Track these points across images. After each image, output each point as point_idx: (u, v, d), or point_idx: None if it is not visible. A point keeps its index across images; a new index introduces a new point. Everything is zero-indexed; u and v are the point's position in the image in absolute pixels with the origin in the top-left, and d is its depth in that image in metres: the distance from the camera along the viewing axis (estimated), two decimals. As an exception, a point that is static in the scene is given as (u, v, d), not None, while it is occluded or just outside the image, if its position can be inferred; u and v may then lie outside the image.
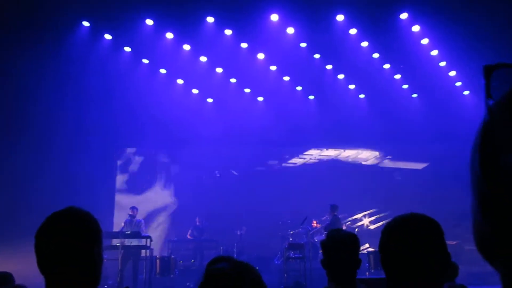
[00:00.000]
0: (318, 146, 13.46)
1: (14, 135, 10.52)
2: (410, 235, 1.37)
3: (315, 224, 11.19)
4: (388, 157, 13.37)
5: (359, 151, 13.50)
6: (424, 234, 1.37)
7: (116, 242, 9.30)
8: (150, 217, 13.04)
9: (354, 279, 2.00)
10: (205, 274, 1.18)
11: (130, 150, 13.97)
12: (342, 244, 1.96)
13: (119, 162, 13.82)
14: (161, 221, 13.37)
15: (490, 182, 0.50)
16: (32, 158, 10.78)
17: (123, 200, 13.03)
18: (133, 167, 13.87)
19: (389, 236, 1.40)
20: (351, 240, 2.00)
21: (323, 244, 2.02)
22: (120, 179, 13.74)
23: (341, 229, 2.10)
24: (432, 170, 12.90)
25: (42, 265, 1.38)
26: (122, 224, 9.96)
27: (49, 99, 10.82)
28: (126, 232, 9.33)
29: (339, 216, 10.22)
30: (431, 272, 1.35)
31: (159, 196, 13.59)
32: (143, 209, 11.86)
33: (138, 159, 13.96)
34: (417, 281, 1.33)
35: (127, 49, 11.05)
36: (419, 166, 13.13)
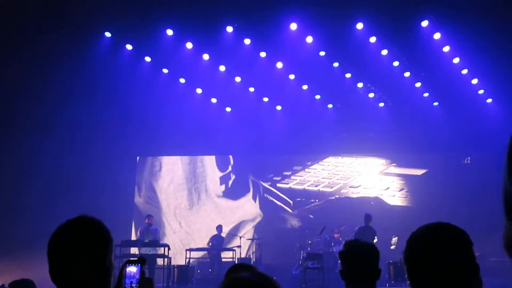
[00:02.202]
0: (336, 153, 13.33)
1: (39, 141, 10.74)
2: (438, 245, 1.32)
3: (336, 236, 11.04)
4: (404, 165, 13.13)
5: (378, 159, 13.30)
6: (453, 244, 1.33)
7: (134, 250, 9.35)
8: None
9: (374, 289, 1.95)
10: (227, 282, 1.16)
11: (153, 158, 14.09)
12: (361, 254, 1.91)
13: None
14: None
15: None
16: (56, 164, 11.00)
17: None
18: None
19: (416, 245, 1.36)
20: (370, 250, 1.95)
21: (342, 254, 1.97)
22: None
23: (360, 240, 2.05)
24: (449, 179, 12.61)
25: (54, 273, 1.39)
26: (139, 233, 10.02)
27: (73, 108, 11.06)
28: (145, 241, 9.38)
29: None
30: (458, 284, 1.29)
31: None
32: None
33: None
34: None
35: (148, 59, 11.20)
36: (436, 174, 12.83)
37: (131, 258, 1.50)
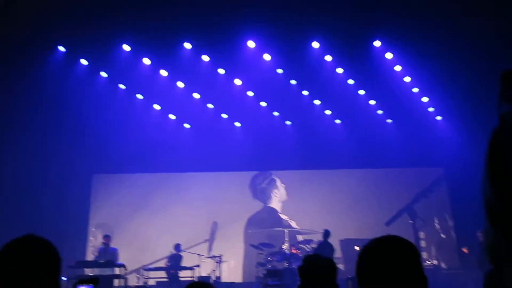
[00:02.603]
0: (297, 168, 13.46)
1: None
2: (386, 257, 1.36)
3: (294, 251, 11.07)
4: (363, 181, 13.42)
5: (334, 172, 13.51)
6: (400, 256, 1.36)
7: (88, 271, 8.99)
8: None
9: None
10: None
11: (105, 176, 13.67)
12: (318, 269, 1.93)
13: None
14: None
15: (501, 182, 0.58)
16: (8, 181, 10.51)
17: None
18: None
19: (366, 258, 1.39)
20: (328, 265, 1.97)
21: (300, 269, 1.98)
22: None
23: (318, 255, 2.07)
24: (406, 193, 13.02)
25: None
26: (96, 253, 9.69)
27: (27, 124, 10.65)
28: (100, 261, 9.06)
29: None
30: None
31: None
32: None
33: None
34: None
35: (104, 74, 10.98)
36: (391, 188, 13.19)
37: (83, 278, 1.45)
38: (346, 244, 11.77)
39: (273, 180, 13.63)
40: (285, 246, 10.90)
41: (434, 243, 12.79)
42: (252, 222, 13.18)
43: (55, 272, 1.39)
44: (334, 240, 10.63)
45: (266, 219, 13.16)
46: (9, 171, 10.68)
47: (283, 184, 13.57)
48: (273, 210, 13.43)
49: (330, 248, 9.82)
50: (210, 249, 12.40)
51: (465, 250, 10.79)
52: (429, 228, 12.57)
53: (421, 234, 12.56)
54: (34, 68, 9.94)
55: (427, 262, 11.80)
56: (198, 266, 10.76)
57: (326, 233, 10.08)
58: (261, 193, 13.55)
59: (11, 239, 1.41)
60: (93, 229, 12.89)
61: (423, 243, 12.48)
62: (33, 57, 9.81)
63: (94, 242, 12.55)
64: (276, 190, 13.57)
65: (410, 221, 12.52)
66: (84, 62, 10.57)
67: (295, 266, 10.34)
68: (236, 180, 13.48)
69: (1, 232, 8.28)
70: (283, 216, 13.27)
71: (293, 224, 13.11)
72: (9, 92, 9.90)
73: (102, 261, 9.04)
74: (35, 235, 1.43)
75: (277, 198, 13.51)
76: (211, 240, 12.10)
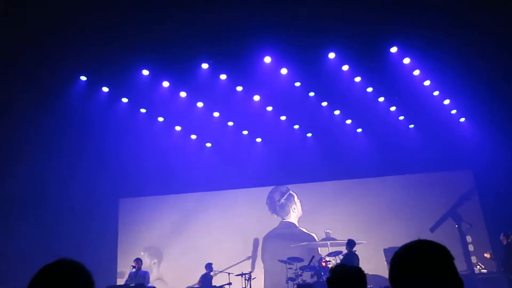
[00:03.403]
0: (318, 180, 13.37)
1: (18, 184, 10.51)
2: (420, 262, 1.33)
3: (324, 264, 10.92)
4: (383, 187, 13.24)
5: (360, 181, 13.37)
6: (434, 260, 1.33)
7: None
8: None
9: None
10: None
11: (131, 200, 13.84)
12: (346, 279, 1.90)
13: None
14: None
15: None
16: (36, 206, 10.72)
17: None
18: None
19: (398, 264, 1.36)
20: (357, 274, 1.94)
21: (328, 280, 1.96)
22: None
23: (345, 264, 2.04)
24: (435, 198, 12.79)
25: None
26: (127, 276, 9.76)
27: (51, 151, 10.90)
28: (130, 285, 9.10)
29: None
30: None
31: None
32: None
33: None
34: None
35: (125, 100, 11.20)
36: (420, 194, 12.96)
37: None
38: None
39: (291, 195, 13.57)
40: (315, 260, 10.75)
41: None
42: (271, 237, 13.10)
43: None
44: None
45: (287, 234, 13.06)
46: (37, 198, 10.92)
47: (299, 199, 13.52)
48: (292, 225, 13.34)
49: (355, 257, 9.64)
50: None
51: (487, 255, 10.43)
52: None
53: (469, 238, 12.22)
54: (58, 98, 10.21)
55: (478, 266, 11.36)
56: (230, 284, 10.70)
57: (350, 243, 9.93)
58: (281, 208, 13.50)
59: (44, 265, 1.42)
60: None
61: (471, 247, 12.12)
62: (56, 87, 10.08)
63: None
64: (294, 206, 13.51)
65: (455, 225, 12.28)
66: (105, 89, 10.81)
67: (325, 278, 10.18)
68: (256, 195, 13.49)
69: (32, 258, 8.45)
70: (304, 230, 13.16)
71: (316, 236, 12.99)
72: (34, 122, 10.18)
73: (132, 285, 9.09)
74: (68, 259, 1.44)
75: (295, 214, 13.44)
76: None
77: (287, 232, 13.13)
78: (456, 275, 1.34)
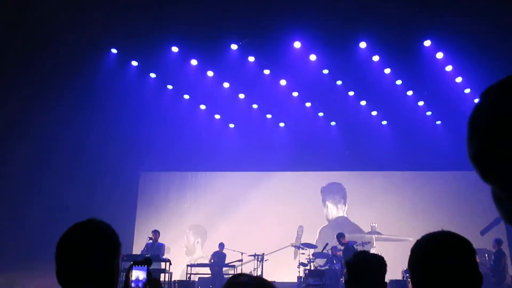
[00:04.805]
0: (340, 169, 13.34)
1: (47, 161, 10.79)
2: (441, 252, 1.34)
3: (339, 253, 10.97)
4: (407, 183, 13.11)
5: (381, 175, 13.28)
6: (456, 252, 1.35)
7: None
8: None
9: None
10: (227, 285, 1.18)
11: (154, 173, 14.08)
12: (368, 264, 1.93)
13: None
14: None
15: None
16: (60, 180, 11.00)
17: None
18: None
19: (419, 253, 1.38)
20: (378, 261, 1.97)
21: (348, 264, 1.99)
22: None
23: (368, 252, 2.07)
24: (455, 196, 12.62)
25: (62, 276, 1.38)
26: (144, 247, 10.01)
27: (80, 122, 11.13)
28: (146, 255, 9.33)
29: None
30: None
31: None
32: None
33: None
34: None
35: (153, 75, 11.32)
36: (442, 193, 12.82)
37: (137, 260, 1.51)
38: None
39: (343, 189, 13.54)
40: (328, 247, 10.79)
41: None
42: (327, 229, 13.14)
43: (115, 255, 1.45)
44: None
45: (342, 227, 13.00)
46: (63, 167, 11.18)
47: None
48: (346, 219, 13.38)
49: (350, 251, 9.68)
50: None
51: None
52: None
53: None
54: (89, 69, 10.38)
55: None
56: (241, 260, 10.85)
57: (340, 236, 10.06)
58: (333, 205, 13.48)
59: (74, 223, 1.47)
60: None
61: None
62: (87, 57, 10.24)
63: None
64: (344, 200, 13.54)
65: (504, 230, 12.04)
66: (134, 63, 10.94)
67: (337, 267, 10.24)
68: (275, 180, 13.51)
69: (56, 222, 8.71)
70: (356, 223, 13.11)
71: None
72: (65, 92, 10.39)
73: (147, 255, 9.31)
74: (97, 219, 1.48)
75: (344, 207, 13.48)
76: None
77: (342, 225, 13.04)
78: (476, 269, 1.35)
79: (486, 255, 10.62)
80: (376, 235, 12.60)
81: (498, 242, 10.09)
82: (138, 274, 1.46)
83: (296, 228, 13.13)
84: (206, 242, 13.24)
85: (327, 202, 13.48)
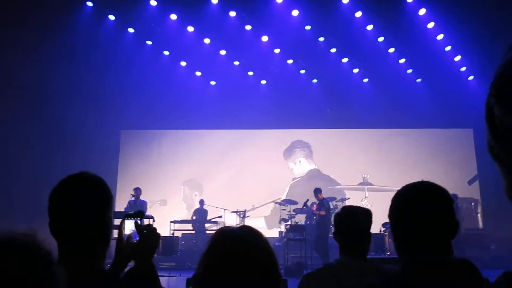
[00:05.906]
0: (320, 127, 13.44)
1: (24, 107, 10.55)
2: (420, 201, 1.39)
3: (315, 208, 11.23)
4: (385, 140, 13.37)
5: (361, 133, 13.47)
6: (434, 200, 1.40)
7: (118, 222, 9.35)
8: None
9: (367, 253, 2.04)
10: (215, 233, 1.20)
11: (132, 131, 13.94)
12: (355, 217, 1.99)
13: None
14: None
15: None
16: (42, 134, 10.83)
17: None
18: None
19: (399, 201, 1.43)
20: (365, 213, 2.03)
21: (337, 216, 2.04)
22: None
23: (355, 206, 2.13)
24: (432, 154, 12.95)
25: (54, 227, 1.37)
26: (126, 205, 10.05)
27: (55, 78, 10.80)
28: (129, 212, 9.38)
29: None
30: (438, 237, 1.37)
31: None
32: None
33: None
34: (425, 247, 1.35)
35: (131, 30, 10.97)
36: (420, 149, 13.12)
37: (129, 213, 1.53)
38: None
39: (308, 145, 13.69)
40: (309, 203, 11.02)
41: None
42: (298, 184, 13.35)
43: (108, 207, 1.45)
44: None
45: (314, 180, 13.19)
46: (36, 123, 10.95)
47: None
48: (317, 171, 13.58)
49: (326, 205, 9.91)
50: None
51: None
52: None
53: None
54: (62, 23, 9.98)
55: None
56: (220, 217, 11.05)
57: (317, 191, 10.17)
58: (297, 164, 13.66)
59: (67, 175, 1.45)
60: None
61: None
62: (61, 12, 9.84)
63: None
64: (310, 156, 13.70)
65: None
66: (111, 17, 10.56)
67: (313, 223, 10.51)
68: (257, 138, 13.57)
69: (40, 181, 8.66)
70: (330, 176, 13.38)
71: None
72: (39, 46, 10.01)
73: (131, 212, 9.35)
74: (89, 172, 1.47)
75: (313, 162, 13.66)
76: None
77: (315, 178, 13.25)
78: (453, 217, 1.41)
79: (473, 203, 11.06)
80: (367, 186, 12.94)
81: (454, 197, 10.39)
82: (131, 226, 1.49)
83: (281, 185, 13.30)
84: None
85: (297, 158, 13.70)
